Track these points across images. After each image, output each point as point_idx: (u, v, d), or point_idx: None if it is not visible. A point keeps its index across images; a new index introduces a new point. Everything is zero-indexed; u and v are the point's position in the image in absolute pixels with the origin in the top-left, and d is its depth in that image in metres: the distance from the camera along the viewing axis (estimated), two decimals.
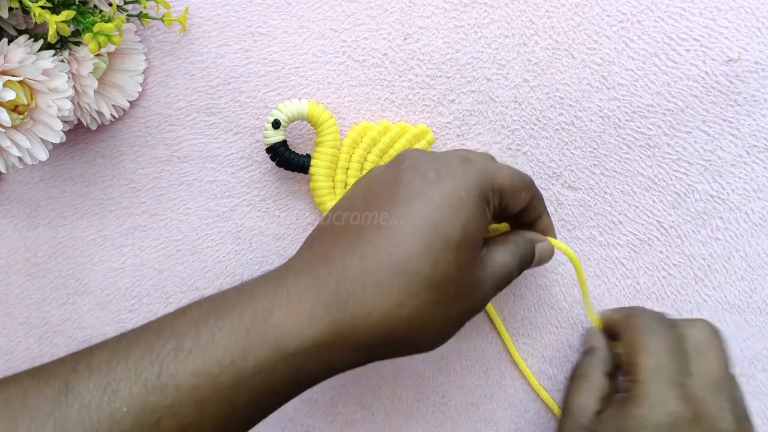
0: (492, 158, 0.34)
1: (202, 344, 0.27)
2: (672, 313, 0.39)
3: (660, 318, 0.35)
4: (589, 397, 0.35)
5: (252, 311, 0.28)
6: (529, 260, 0.33)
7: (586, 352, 0.37)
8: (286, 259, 0.32)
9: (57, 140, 0.35)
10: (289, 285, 0.29)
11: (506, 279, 0.32)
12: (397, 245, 0.28)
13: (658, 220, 0.39)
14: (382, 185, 0.31)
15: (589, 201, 0.39)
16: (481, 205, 0.30)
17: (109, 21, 0.32)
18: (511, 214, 0.33)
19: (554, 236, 0.35)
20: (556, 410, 0.39)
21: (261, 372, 0.27)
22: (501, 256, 0.32)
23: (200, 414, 0.26)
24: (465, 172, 0.30)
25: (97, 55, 0.35)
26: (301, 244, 0.33)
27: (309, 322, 0.28)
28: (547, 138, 0.39)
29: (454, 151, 0.33)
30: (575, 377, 0.36)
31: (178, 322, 0.28)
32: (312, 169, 0.38)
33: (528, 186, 0.33)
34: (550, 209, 0.39)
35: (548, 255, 0.35)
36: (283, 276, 0.29)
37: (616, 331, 0.36)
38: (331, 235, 0.30)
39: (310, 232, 0.39)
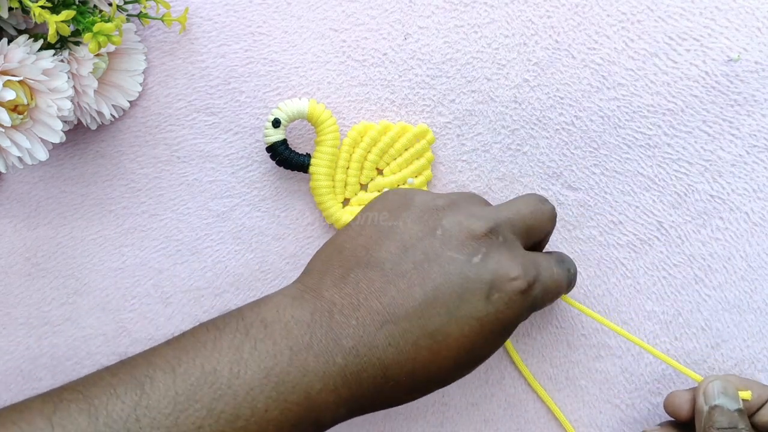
0: (550, 219, 0.34)
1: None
2: (672, 313, 0.39)
3: None
4: None
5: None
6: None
7: (738, 411, 0.34)
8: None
9: (57, 140, 0.35)
10: (325, 374, 0.28)
11: None
12: (438, 364, 0.29)
13: (658, 220, 0.39)
14: (420, 251, 0.30)
15: (589, 201, 0.39)
16: (524, 315, 0.31)
17: (109, 21, 0.32)
18: None
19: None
20: (556, 410, 0.39)
21: None
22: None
23: None
24: (522, 302, 0.30)
25: (97, 55, 0.35)
26: (317, 254, 0.32)
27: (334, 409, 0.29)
28: (547, 138, 0.39)
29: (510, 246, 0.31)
30: None
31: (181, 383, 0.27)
32: (312, 168, 0.38)
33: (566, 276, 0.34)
34: None
35: None
36: (325, 355, 0.28)
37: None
38: (357, 275, 0.30)
39: (310, 232, 0.39)
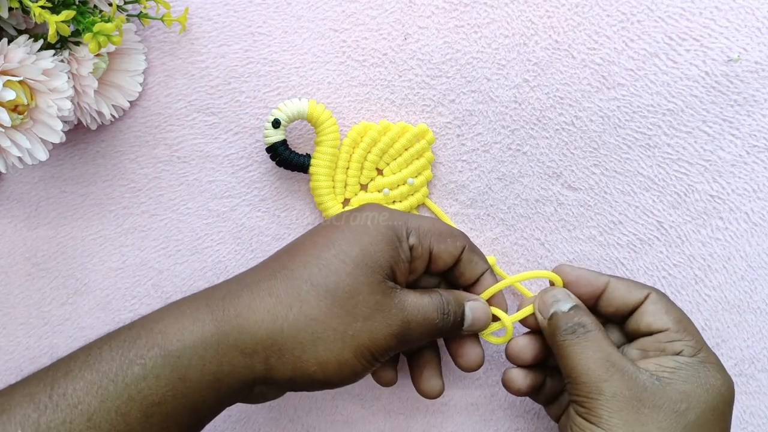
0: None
1: (90, 361, 0.28)
2: None
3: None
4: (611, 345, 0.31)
5: (141, 324, 0.29)
6: (457, 319, 0.33)
7: (573, 309, 0.33)
8: None
9: (57, 140, 0.35)
10: (183, 300, 0.30)
11: (424, 324, 0.31)
12: (292, 256, 0.30)
13: (658, 220, 0.39)
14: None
15: (589, 201, 0.39)
16: (387, 235, 0.31)
17: (109, 21, 0.32)
18: (446, 266, 0.33)
19: (503, 303, 0.35)
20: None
21: (147, 378, 0.28)
22: (416, 298, 0.31)
23: (92, 429, 0.27)
24: (378, 210, 0.32)
25: (97, 55, 0.35)
26: None
27: (192, 322, 0.28)
28: (547, 138, 0.39)
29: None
30: (572, 338, 0.31)
31: (76, 351, 0.29)
32: (312, 169, 0.38)
33: (457, 235, 0.33)
34: (550, 209, 0.39)
35: (483, 315, 0.33)
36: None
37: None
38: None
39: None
